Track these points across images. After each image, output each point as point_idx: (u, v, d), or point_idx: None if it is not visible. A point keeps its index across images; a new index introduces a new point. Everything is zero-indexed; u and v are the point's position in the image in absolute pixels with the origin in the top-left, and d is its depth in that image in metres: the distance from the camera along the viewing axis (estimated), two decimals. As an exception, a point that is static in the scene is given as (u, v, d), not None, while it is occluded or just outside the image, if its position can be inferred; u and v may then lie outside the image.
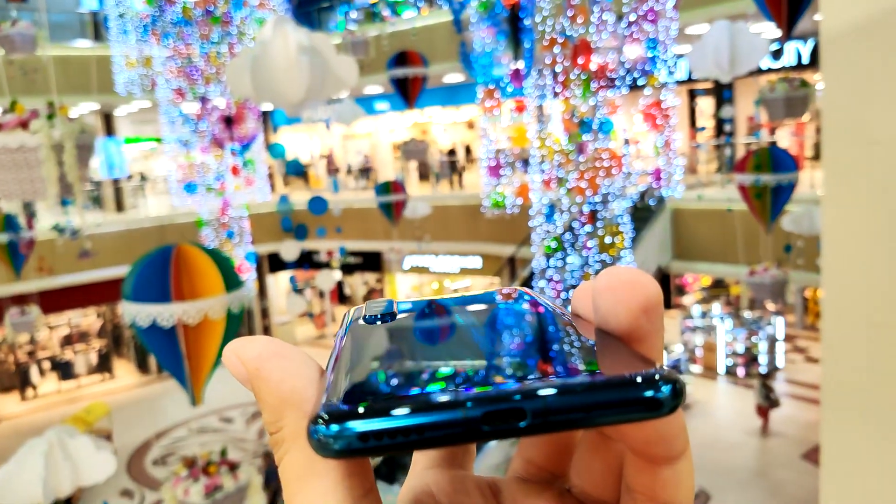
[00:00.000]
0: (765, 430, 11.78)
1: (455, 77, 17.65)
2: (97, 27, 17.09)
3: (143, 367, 17.73)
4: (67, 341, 17.77)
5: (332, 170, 22.11)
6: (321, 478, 0.30)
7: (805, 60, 15.14)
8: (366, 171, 22.28)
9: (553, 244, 8.92)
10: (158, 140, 16.50)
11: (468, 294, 0.42)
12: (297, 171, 16.68)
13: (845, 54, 2.35)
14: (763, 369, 13.92)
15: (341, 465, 0.31)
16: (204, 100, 11.24)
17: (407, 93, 11.97)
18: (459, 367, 0.30)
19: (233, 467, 8.35)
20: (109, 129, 18.98)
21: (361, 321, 0.37)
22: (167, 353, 6.01)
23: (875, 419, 2.40)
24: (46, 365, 17.40)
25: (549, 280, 8.92)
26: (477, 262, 16.98)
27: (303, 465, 0.31)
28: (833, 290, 2.52)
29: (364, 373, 0.30)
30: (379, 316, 0.38)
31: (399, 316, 0.38)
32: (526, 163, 10.10)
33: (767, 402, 11.67)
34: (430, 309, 0.39)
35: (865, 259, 2.38)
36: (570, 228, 8.90)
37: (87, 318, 18.28)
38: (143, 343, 6.29)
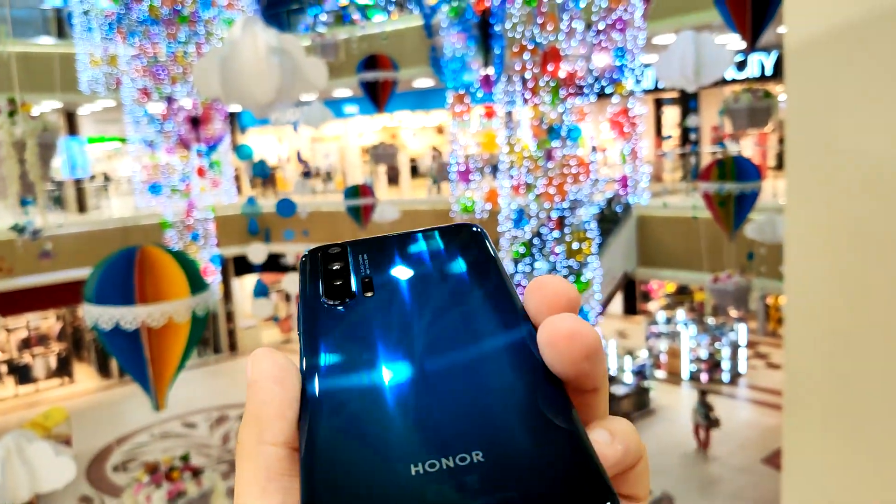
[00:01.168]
0: (704, 449, 11.44)
1: (425, 82, 17.65)
2: (61, 24, 16.75)
3: (104, 371, 17.39)
4: (26, 344, 17.35)
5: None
6: (256, 498, 0.33)
7: (768, 72, 15.43)
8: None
9: (521, 249, 8.96)
10: (123, 140, 16.22)
11: (421, 256, 0.42)
12: (263, 174, 16.49)
13: (808, 66, 2.39)
14: (726, 377, 14.13)
15: (281, 488, 0.33)
16: (170, 100, 11.09)
17: (376, 96, 11.94)
18: (416, 470, 0.30)
19: (196, 473, 8.23)
20: (72, 128, 18.62)
21: (319, 302, 0.39)
22: (130, 357, 5.90)
23: (836, 424, 2.45)
24: (4, 369, 16.99)
25: (517, 285, 8.96)
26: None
27: (246, 479, 0.34)
28: (795, 297, 2.56)
29: (322, 469, 0.31)
30: (338, 304, 0.39)
31: (356, 303, 0.39)
32: (495, 168, 10.13)
33: (707, 421, 11.31)
34: (381, 303, 0.39)
35: (827, 266, 2.43)
36: (538, 234, 8.95)
37: (47, 320, 17.88)
38: (105, 346, 6.18)
